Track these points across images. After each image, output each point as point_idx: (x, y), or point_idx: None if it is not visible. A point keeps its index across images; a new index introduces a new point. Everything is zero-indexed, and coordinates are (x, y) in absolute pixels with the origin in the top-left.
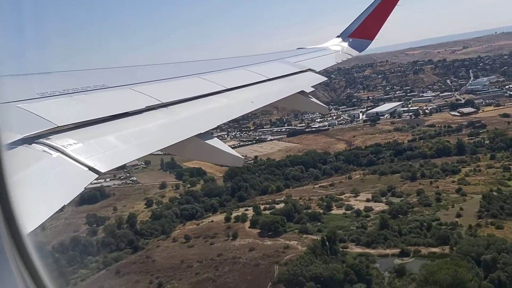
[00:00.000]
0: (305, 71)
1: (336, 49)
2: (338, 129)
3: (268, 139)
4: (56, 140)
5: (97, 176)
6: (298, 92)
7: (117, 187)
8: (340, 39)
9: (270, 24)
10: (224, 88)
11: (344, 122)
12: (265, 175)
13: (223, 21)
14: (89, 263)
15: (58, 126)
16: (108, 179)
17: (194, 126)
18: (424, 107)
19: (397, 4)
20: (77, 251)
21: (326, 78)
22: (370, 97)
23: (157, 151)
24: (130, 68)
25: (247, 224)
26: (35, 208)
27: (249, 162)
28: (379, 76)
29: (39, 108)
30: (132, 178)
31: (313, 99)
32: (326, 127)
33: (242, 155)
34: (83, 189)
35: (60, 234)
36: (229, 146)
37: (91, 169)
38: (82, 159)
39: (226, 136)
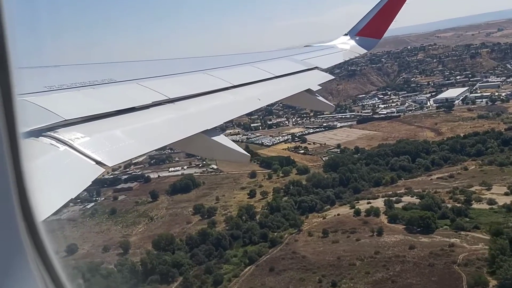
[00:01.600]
0: (312, 69)
1: (344, 47)
2: (410, 115)
3: (338, 126)
4: (63, 134)
5: (104, 170)
6: (304, 90)
7: (201, 176)
8: (347, 37)
9: (278, 4)
10: (231, 85)
11: (413, 108)
12: (371, 165)
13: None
14: (229, 257)
15: (65, 120)
16: (185, 167)
17: (200, 122)
18: (496, 93)
19: (405, 2)
20: (209, 245)
21: (333, 77)
22: (430, 82)
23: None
24: (137, 63)
25: (383, 218)
26: (42, 201)
27: (332, 150)
28: (434, 60)
29: (46, 102)
30: (212, 166)
31: (320, 98)
32: (397, 114)
33: (321, 143)
34: (90, 182)
35: (174, 226)
36: (294, 133)
37: (98, 163)
38: (89, 153)
39: (287, 122)
